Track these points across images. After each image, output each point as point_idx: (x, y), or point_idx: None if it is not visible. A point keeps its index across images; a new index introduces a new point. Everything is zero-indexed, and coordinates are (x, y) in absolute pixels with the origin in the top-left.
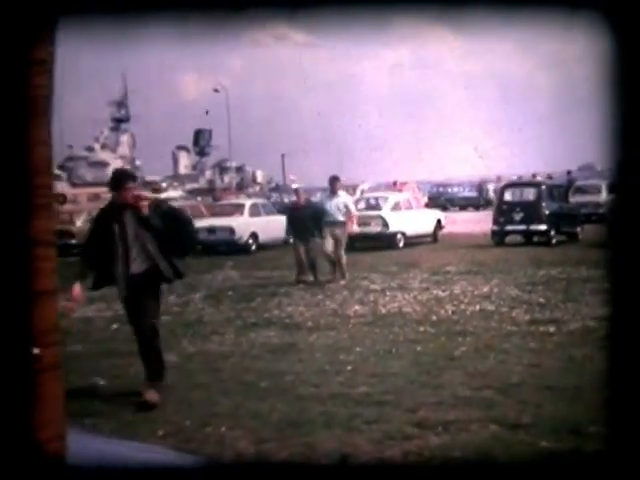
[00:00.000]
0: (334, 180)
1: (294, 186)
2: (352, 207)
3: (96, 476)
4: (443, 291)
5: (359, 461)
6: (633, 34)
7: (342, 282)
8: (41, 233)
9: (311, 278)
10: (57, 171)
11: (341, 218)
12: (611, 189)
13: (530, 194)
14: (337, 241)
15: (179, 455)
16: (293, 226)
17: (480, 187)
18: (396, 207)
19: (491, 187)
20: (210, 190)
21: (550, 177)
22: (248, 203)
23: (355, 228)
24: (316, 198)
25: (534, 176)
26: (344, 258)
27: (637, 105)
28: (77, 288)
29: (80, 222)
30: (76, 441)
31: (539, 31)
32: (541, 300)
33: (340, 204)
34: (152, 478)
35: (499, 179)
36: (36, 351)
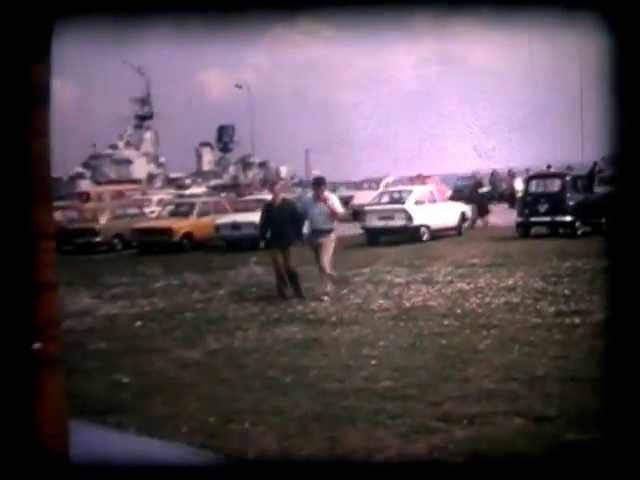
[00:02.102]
0: (318, 183)
1: (279, 181)
2: (339, 208)
3: (99, 471)
4: (468, 284)
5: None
6: (632, 34)
7: (325, 298)
8: (41, 225)
9: (295, 291)
10: (81, 169)
11: (327, 226)
12: (612, 185)
13: (555, 185)
14: (321, 250)
15: (190, 451)
16: (267, 229)
17: (493, 179)
18: (420, 200)
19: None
20: (234, 186)
21: (570, 168)
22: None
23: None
24: (302, 199)
25: (549, 167)
26: (329, 269)
27: (636, 104)
28: None
29: (104, 220)
30: (81, 436)
31: (539, 31)
32: (566, 292)
33: (324, 211)
34: (157, 474)
35: (510, 172)
36: (36, 346)
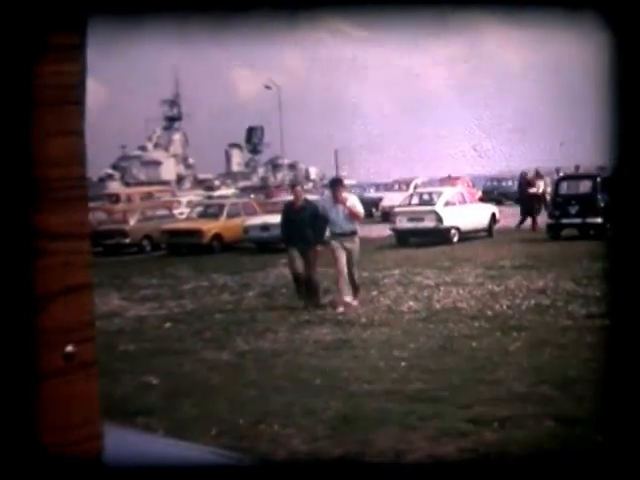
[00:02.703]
0: (336, 183)
1: (302, 182)
2: (360, 209)
3: (132, 473)
4: (498, 286)
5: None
6: (633, 34)
7: (354, 302)
8: (75, 226)
9: (311, 300)
10: (110, 171)
11: (348, 228)
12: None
13: (586, 187)
14: (345, 254)
15: (221, 453)
16: (288, 231)
17: (521, 180)
18: (450, 202)
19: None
20: (263, 187)
21: (602, 169)
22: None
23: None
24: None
25: (577, 168)
26: (356, 274)
27: (636, 105)
28: None
29: (133, 221)
30: (115, 440)
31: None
32: (597, 294)
33: (344, 213)
34: (187, 476)
35: (537, 173)
36: (69, 348)
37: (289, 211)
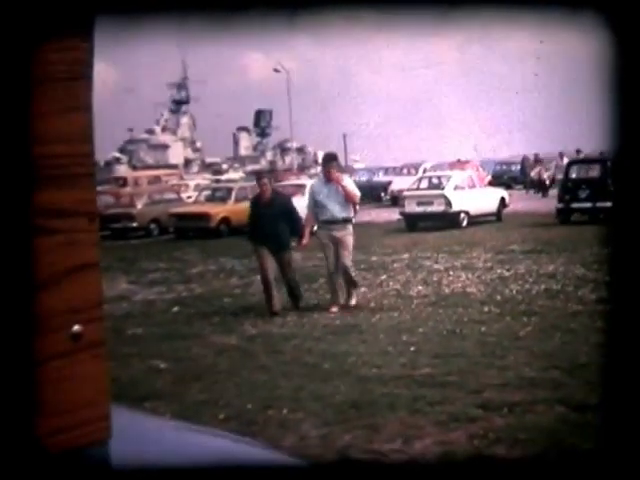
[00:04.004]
0: (329, 160)
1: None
2: (356, 190)
3: (142, 457)
4: (507, 270)
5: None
6: (633, 34)
7: (351, 302)
8: (82, 204)
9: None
10: (118, 154)
11: (342, 215)
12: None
13: (596, 171)
14: (337, 246)
15: (230, 436)
16: (255, 228)
17: (523, 164)
18: (459, 186)
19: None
20: (271, 171)
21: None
22: (309, 184)
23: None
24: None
25: (578, 152)
26: (352, 271)
27: (636, 105)
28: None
29: (141, 205)
30: (122, 421)
31: (538, 31)
32: (608, 279)
33: (340, 194)
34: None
35: (536, 158)
36: (76, 328)
37: (256, 206)
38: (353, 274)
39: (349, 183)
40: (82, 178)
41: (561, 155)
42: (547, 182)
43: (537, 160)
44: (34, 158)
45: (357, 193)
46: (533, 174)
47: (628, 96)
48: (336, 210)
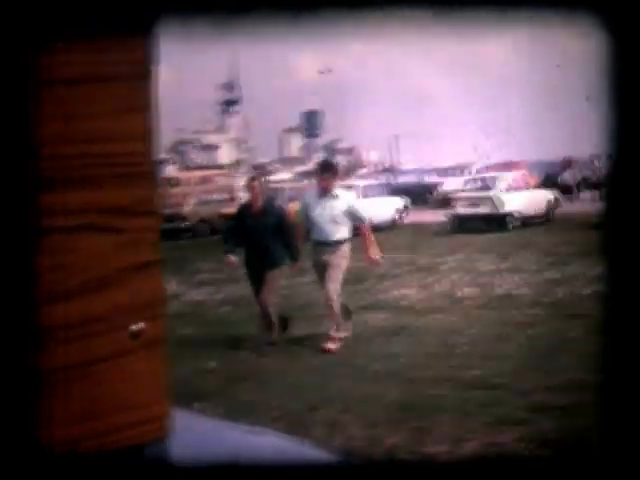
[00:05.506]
0: (325, 168)
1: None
2: (362, 214)
3: (201, 455)
4: (556, 272)
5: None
6: (632, 34)
7: (331, 346)
8: (143, 202)
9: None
10: (168, 154)
11: (337, 236)
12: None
13: None
14: (327, 271)
15: (285, 437)
16: (239, 241)
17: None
18: (508, 187)
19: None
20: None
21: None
22: (359, 185)
23: (377, 256)
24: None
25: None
26: (338, 297)
27: (636, 105)
28: None
29: (191, 205)
30: (181, 420)
31: (537, 31)
32: None
33: (337, 211)
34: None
35: (564, 160)
36: (135, 327)
37: (244, 215)
38: (335, 301)
39: (355, 204)
40: (144, 177)
41: (594, 157)
42: (573, 185)
43: (567, 162)
44: (94, 156)
45: (364, 217)
46: (567, 176)
47: (627, 96)
48: (330, 230)
